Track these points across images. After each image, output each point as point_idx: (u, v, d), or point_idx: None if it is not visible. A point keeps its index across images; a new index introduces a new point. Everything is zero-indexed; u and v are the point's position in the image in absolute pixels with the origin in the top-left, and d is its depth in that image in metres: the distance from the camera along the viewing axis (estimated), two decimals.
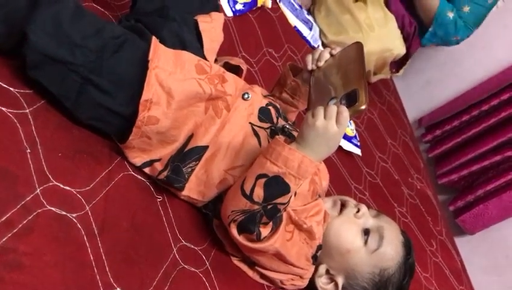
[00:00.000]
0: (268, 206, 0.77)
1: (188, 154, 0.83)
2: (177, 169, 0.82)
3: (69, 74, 0.72)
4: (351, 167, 1.54)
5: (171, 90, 0.77)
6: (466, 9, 1.93)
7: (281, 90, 0.98)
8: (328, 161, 1.24)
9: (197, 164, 0.84)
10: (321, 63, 0.87)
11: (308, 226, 0.86)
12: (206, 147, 0.84)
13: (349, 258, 0.92)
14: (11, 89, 0.72)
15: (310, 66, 0.88)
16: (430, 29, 1.96)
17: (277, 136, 0.80)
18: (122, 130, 0.79)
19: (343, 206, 0.97)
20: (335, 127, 0.75)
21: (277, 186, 0.76)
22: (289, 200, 0.78)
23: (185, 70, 0.80)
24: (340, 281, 0.94)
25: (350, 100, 0.77)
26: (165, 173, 0.82)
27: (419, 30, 1.99)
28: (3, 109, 0.69)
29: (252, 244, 0.81)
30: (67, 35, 0.70)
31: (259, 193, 0.76)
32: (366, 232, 0.93)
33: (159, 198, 0.84)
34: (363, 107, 0.76)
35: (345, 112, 0.75)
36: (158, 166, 0.83)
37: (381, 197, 1.60)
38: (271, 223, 0.80)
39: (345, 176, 1.48)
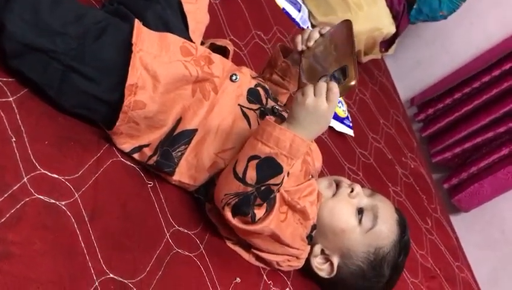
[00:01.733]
0: (262, 188, 0.76)
1: (177, 138, 0.82)
2: (167, 153, 0.81)
3: (51, 62, 0.70)
4: (344, 148, 1.53)
5: (156, 74, 0.76)
6: None
7: (272, 71, 0.97)
8: (320, 143, 1.23)
9: (187, 147, 0.83)
10: (311, 43, 0.86)
11: (302, 206, 0.86)
12: (195, 131, 0.83)
13: (343, 238, 0.92)
14: None
15: (299, 47, 0.87)
16: (414, 6, 1.96)
17: (267, 117, 0.80)
18: (108, 117, 0.77)
19: (336, 186, 0.96)
20: (325, 104, 0.74)
21: (269, 167, 0.76)
22: (282, 180, 0.78)
23: (170, 52, 0.78)
24: (336, 260, 0.94)
25: (340, 77, 0.76)
26: (154, 158, 0.81)
27: (408, 8, 1.98)
28: None
29: (246, 226, 0.80)
30: (47, 22, 0.68)
31: (251, 175, 0.75)
32: (360, 211, 0.93)
33: (150, 183, 0.83)
34: (353, 82, 0.75)
35: (335, 88, 0.74)
36: (147, 151, 0.82)
37: (375, 177, 1.60)
38: (265, 204, 0.79)
39: (338, 157, 1.47)
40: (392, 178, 1.69)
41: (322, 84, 0.75)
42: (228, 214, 0.79)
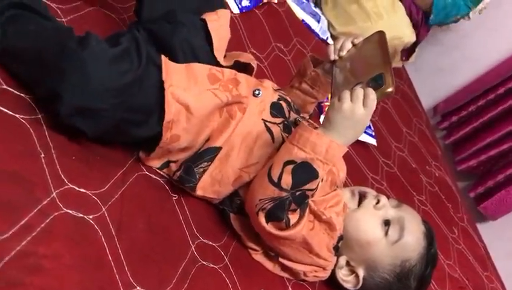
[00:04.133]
0: (297, 193, 0.76)
1: (201, 155, 0.84)
2: (189, 169, 0.83)
3: (103, 118, 0.72)
4: (367, 158, 1.52)
5: (189, 107, 0.78)
6: None
7: (301, 80, 0.98)
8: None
9: (210, 164, 0.84)
10: (343, 53, 0.87)
11: (328, 217, 0.85)
12: (219, 148, 0.84)
13: (369, 250, 0.91)
14: (22, 95, 0.73)
15: (332, 56, 0.88)
16: (431, 17, 1.95)
17: (302, 121, 0.80)
18: (142, 146, 0.82)
19: (362, 197, 0.96)
20: (362, 109, 0.75)
21: (305, 172, 0.76)
22: (317, 186, 0.78)
23: (198, 83, 0.81)
24: (361, 272, 0.93)
25: (376, 84, 0.77)
26: (178, 173, 0.83)
27: (426, 16, 1.98)
28: (16, 115, 0.70)
29: (280, 232, 0.80)
30: (97, 84, 0.68)
31: (287, 180, 0.76)
32: (387, 223, 0.92)
33: (175, 197, 0.84)
34: (390, 89, 0.76)
35: (372, 94, 0.75)
36: (173, 167, 0.84)
37: (400, 187, 1.58)
38: (298, 210, 0.79)
39: (361, 167, 1.46)
40: (416, 187, 1.67)
41: (359, 90, 0.75)
42: (262, 219, 0.79)
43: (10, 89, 0.72)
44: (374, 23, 1.86)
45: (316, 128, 0.78)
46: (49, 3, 0.83)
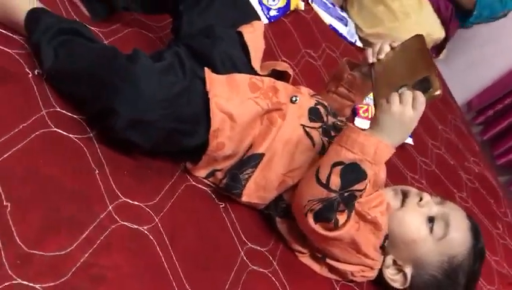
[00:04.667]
0: (345, 194, 0.78)
1: (245, 162, 0.86)
2: (235, 176, 0.85)
3: (155, 129, 0.75)
4: (405, 157, 1.52)
5: (232, 115, 0.81)
6: None
7: (337, 84, 0.99)
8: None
9: (254, 171, 0.86)
10: (381, 56, 0.88)
11: (373, 217, 0.86)
12: (262, 155, 0.86)
13: (415, 248, 0.92)
14: (74, 116, 0.77)
15: (371, 59, 0.89)
16: (474, 12, 1.92)
17: (349, 124, 0.82)
18: (191, 156, 0.84)
19: (405, 195, 0.96)
20: (411, 112, 0.76)
21: (353, 173, 0.77)
22: (366, 187, 0.79)
23: (240, 92, 0.84)
24: (409, 271, 0.93)
25: (422, 87, 0.78)
26: (224, 181, 0.86)
27: (456, 12, 1.95)
28: (70, 135, 0.74)
29: (329, 232, 0.82)
30: (149, 96, 0.71)
31: (335, 181, 0.77)
32: (431, 220, 0.92)
33: (222, 205, 0.87)
34: (438, 92, 0.77)
35: (422, 97, 0.76)
36: (219, 175, 0.87)
37: (439, 184, 1.57)
38: (346, 210, 0.81)
39: (400, 167, 1.46)
40: (456, 184, 1.65)
41: (408, 93, 0.77)
42: (311, 220, 0.80)
43: (63, 111, 0.76)
44: (402, 23, 1.85)
45: (362, 130, 0.79)
46: (91, 27, 0.87)
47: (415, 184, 1.44)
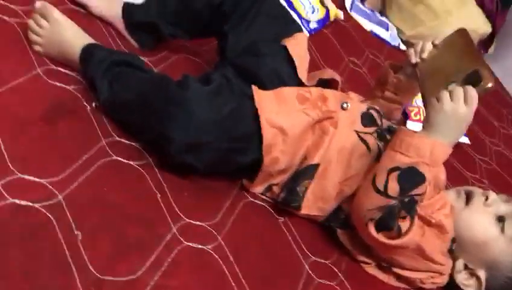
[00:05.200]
0: (405, 199, 0.76)
1: (301, 174, 0.86)
2: (292, 189, 0.85)
3: (210, 150, 0.76)
4: (463, 158, 1.47)
5: (283, 128, 0.81)
6: None
7: (383, 89, 0.97)
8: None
9: (310, 182, 0.86)
10: (425, 55, 0.86)
11: (437, 220, 0.83)
12: (317, 165, 0.86)
13: (487, 250, 0.88)
14: (133, 144, 0.79)
15: (414, 60, 0.87)
16: None
17: (401, 127, 0.81)
18: (247, 173, 0.85)
19: (468, 196, 0.93)
20: (464, 108, 0.74)
21: (411, 177, 0.76)
22: (426, 190, 0.77)
23: (288, 105, 0.84)
24: (482, 274, 0.89)
25: (472, 81, 0.76)
26: (281, 195, 0.86)
27: (502, 2, 1.89)
28: (130, 162, 0.76)
29: (392, 241, 0.80)
30: (201, 120, 0.73)
31: (393, 187, 0.75)
32: (501, 219, 0.88)
33: (281, 219, 0.86)
34: (490, 84, 0.75)
35: (473, 91, 0.74)
36: (276, 189, 0.87)
37: (502, 182, 1.51)
38: (408, 216, 0.79)
39: (459, 168, 1.41)
40: None
41: (458, 89, 0.75)
42: (372, 229, 0.79)
43: (122, 140, 0.79)
44: (444, 20, 1.81)
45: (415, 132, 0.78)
46: (141, 57, 0.90)
47: (476, 184, 1.39)
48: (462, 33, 0.85)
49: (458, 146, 1.51)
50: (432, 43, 0.87)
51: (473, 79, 0.76)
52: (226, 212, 0.80)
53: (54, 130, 0.73)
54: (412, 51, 0.88)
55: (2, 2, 0.85)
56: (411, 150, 0.75)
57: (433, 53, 0.86)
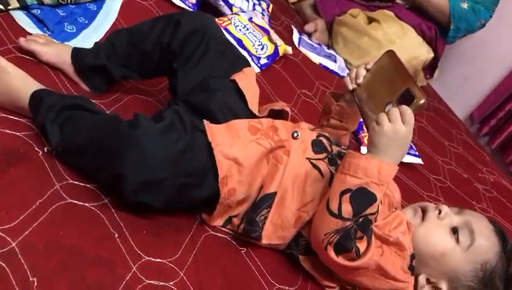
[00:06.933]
0: (360, 220, 0.78)
1: (259, 204, 0.87)
2: (251, 220, 0.86)
3: (166, 187, 0.76)
4: (417, 178, 1.52)
5: (237, 160, 0.83)
6: None
7: (328, 117, 1.01)
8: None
9: (269, 211, 0.87)
10: (360, 80, 0.90)
11: (395, 238, 0.86)
12: (274, 194, 0.87)
13: (446, 262, 0.90)
14: (87, 185, 0.79)
15: (350, 86, 0.91)
16: (451, 27, 1.97)
17: (349, 150, 0.83)
18: (205, 207, 0.85)
19: (423, 212, 0.96)
20: (403, 127, 0.78)
21: (363, 197, 0.78)
22: (378, 209, 0.79)
23: (241, 137, 0.86)
24: (444, 286, 0.91)
25: (405, 100, 0.79)
26: (241, 226, 0.86)
27: (440, 31, 2.00)
28: (86, 204, 0.75)
29: (352, 263, 0.81)
30: (155, 157, 0.73)
31: (347, 209, 0.77)
32: (455, 230, 0.91)
33: (243, 249, 0.87)
34: (422, 101, 0.78)
35: (408, 110, 0.78)
36: (236, 221, 0.87)
37: (458, 199, 1.56)
38: (365, 236, 0.80)
39: (414, 188, 1.46)
40: (474, 196, 1.63)
41: (394, 110, 0.78)
42: (332, 253, 0.80)
43: (76, 182, 0.78)
44: (387, 49, 1.89)
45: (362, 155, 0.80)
46: (92, 100, 0.91)
47: (433, 202, 1.43)
48: (390, 55, 0.88)
49: (412, 167, 1.56)
50: (365, 68, 0.91)
51: (406, 98, 0.79)
52: (187, 247, 0.79)
53: (5, 177, 0.72)
54: (347, 78, 0.92)
55: None
56: (359, 172, 0.78)
57: (367, 77, 0.90)
